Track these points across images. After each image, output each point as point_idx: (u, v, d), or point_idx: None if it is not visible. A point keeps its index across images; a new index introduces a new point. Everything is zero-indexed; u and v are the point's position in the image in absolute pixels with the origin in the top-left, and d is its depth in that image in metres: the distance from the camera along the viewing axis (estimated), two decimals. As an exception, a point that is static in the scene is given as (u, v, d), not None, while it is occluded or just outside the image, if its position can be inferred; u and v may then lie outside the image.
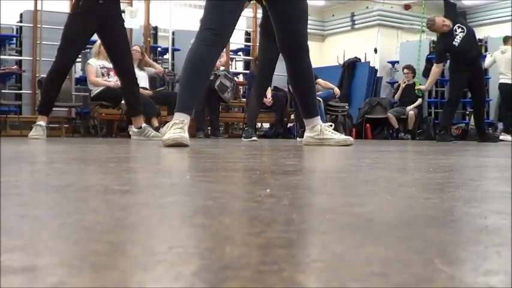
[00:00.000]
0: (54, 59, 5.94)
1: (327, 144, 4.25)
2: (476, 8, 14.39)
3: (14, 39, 9.83)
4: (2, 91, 9.00)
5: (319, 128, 4.39)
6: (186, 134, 3.49)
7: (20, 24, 9.65)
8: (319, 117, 4.50)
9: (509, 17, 13.83)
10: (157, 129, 6.77)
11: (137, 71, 7.10)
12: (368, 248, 0.58)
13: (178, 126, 3.49)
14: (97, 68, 8.37)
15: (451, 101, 8.42)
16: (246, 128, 6.95)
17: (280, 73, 9.29)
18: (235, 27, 4.00)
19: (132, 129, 6.45)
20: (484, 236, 0.67)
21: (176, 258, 0.53)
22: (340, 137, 4.44)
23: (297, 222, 0.75)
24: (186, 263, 0.50)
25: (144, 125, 6.33)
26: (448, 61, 8.69)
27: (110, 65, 8.34)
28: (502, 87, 10.91)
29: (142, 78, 8.39)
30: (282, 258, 0.52)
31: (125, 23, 6.14)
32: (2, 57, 9.37)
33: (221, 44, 3.99)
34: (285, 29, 4.23)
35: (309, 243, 0.61)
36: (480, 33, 11.80)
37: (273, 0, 4.19)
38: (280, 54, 4.52)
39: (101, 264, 0.50)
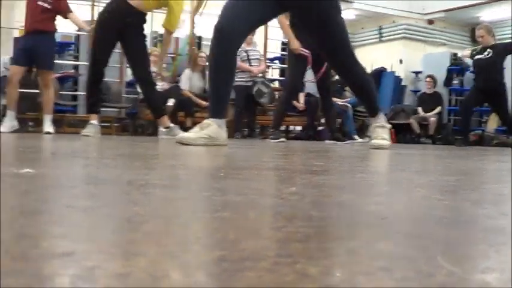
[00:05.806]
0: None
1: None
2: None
3: (73, 45, 10.01)
4: (60, 92, 9.13)
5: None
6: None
7: (78, 32, 9.80)
8: (379, 115, 4.13)
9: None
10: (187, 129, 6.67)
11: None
12: (378, 244, 0.58)
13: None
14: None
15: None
16: (272, 130, 6.89)
17: (312, 80, 9.26)
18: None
19: (161, 129, 6.42)
20: (488, 235, 0.66)
21: (202, 248, 0.53)
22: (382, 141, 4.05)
23: (316, 218, 0.75)
24: (210, 252, 0.51)
25: (171, 125, 6.28)
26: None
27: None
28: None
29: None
30: (298, 251, 0.53)
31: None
32: (61, 61, 9.51)
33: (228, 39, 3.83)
34: (328, 55, 4.00)
35: (324, 238, 0.61)
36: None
37: (312, 31, 3.92)
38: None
39: (133, 251, 0.50)
